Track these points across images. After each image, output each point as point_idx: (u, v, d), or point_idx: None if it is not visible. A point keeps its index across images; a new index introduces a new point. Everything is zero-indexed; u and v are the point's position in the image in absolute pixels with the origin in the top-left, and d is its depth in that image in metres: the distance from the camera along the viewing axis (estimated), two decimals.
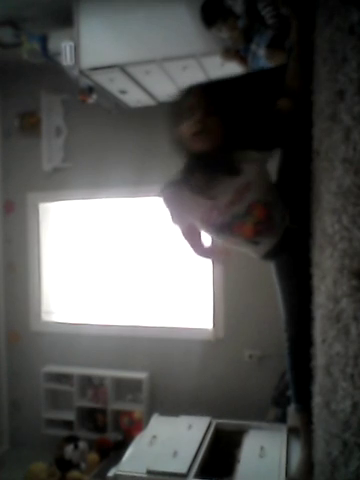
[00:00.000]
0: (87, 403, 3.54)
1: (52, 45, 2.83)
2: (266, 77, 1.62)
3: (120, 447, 3.02)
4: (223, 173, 1.54)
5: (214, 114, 1.48)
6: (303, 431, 1.76)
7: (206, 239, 1.85)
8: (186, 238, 1.79)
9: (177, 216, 1.68)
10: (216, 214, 1.57)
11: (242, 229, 1.56)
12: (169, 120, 1.57)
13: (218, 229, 1.61)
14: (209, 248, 1.90)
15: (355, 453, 0.87)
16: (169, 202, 1.67)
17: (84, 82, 2.87)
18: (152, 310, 3.59)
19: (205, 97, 1.50)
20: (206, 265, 3.40)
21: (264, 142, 1.52)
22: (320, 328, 1.21)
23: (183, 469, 2.23)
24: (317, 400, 1.30)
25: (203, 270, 3.44)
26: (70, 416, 3.56)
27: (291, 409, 2.45)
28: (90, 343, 3.55)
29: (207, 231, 1.67)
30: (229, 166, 1.53)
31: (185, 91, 1.58)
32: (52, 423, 3.64)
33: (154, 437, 2.64)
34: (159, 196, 1.67)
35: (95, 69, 2.68)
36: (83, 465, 3.18)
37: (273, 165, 1.63)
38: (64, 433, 3.49)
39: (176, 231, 1.78)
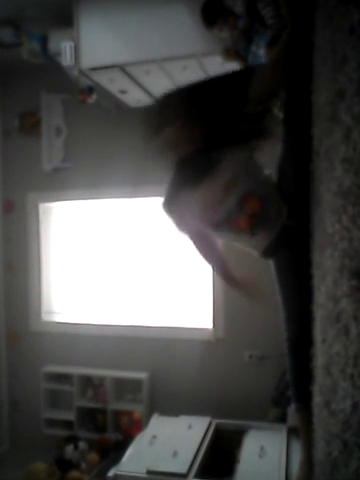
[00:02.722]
0: (87, 403, 3.53)
1: (52, 45, 2.83)
2: (232, 79, 1.62)
3: (120, 447, 3.02)
4: (205, 171, 1.55)
5: (194, 118, 1.50)
6: (303, 431, 1.75)
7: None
8: (198, 249, 1.83)
9: (181, 224, 1.70)
10: (211, 213, 1.58)
11: (238, 223, 1.57)
12: (148, 128, 1.57)
13: (217, 227, 1.62)
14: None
15: (355, 453, 0.87)
16: (170, 213, 1.68)
17: (84, 82, 2.87)
18: (152, 310, 3.59)
19: (184, 103, 1.52)
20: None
21: (241, 136, 1.53)
22: (320, 328, 1.21)
23: (183, 469, 2.23)
24: (317, 400, 1.30)
25: (203, 270, 3.44)
26: (70, 416, 3.55)
27: (291, 409, 2.45)
28: (90, 343, 3.55)
29: (210, 230, 1.69)
30: (209, 163, 1.54)
31: (162, 99, 1.59)
32: (52, 423, 3.64)
33: (154, 437, 2.65)
34: (161, 211, 1.70)
35: (95, 69, 2.67)
36: (83, 465, 3.18)
37: (273, 165, 1.63)
38: (64, 433, 3.49)
39: (187, 242, 1.81)
